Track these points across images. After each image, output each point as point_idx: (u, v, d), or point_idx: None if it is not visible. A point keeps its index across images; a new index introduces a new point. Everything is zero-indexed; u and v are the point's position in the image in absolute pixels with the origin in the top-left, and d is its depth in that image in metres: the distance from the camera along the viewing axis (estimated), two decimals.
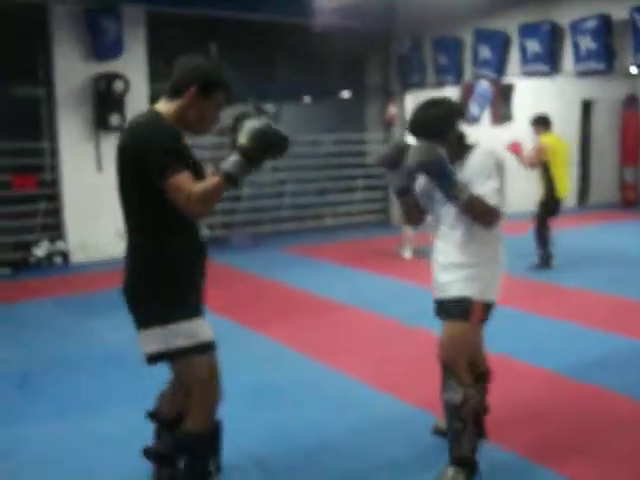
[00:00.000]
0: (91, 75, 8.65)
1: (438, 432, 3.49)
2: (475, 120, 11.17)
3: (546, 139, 7.68)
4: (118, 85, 8.58)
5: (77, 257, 8.90)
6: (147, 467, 3.42)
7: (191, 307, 2.74)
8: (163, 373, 4.40)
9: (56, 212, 8.98)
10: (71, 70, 8.63)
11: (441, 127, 2.99)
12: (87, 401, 4.29)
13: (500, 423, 3.69)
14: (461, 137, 3.10)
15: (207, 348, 2.75)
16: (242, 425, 3.77)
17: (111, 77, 8.56)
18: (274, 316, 6.13)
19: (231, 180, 2.52)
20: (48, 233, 8.92)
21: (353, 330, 5.74)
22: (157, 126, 2.63)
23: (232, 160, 2.53)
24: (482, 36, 9.47)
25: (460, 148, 3.07)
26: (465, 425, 3.05)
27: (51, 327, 6.04)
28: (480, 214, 2.95)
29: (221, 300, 6.47)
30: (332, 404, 4.16)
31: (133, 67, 8.91)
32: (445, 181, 2.87)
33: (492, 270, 3.08)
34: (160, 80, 9.10)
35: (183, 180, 2.51)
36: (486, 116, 11.40)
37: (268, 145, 2.56)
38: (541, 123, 7.83)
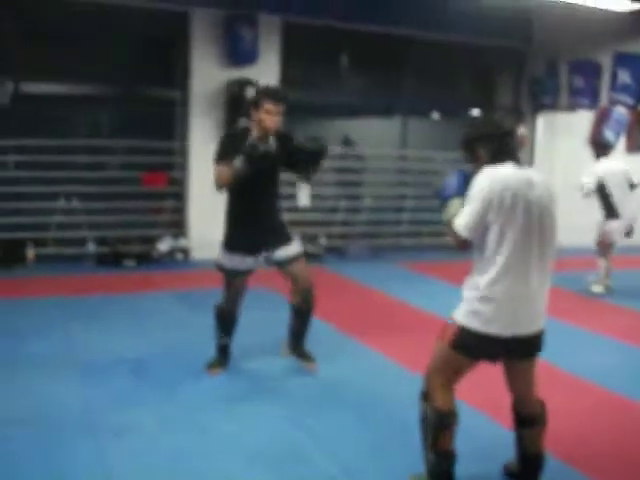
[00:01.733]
0: (225, 80, 8.92)
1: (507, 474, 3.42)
2: (610, 147, 10.73)
3: None
4: (250, 91, 8.81)
5: (197, 254, 9.19)
6: (241, 467, 3.47)
7: None
8: (269, 371, 4.45)
9: (181, 210, 9.32)
10: (207, 74, 8.94)
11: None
12: (192, 392, 4.41)
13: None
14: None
15: None
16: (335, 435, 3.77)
17: (244, 83, 8.79)
18: (379, 328, 6.09)
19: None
20: (172, 229, 9.27)
21: None
22: None
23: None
24: (622, 60, 9.08)
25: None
26: (425, 438, 3.12)
27: (168, 318, 6.27)
28: (449, 235, 3.12)
29: (330, 307, 6.52)
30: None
31: (266, 74, 9.11)
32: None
33: (474, 298, 2.99)
34: (291, 88, 9.31)
35: None
36: (621, 143, 10.91)
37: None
38: None
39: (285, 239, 4.58)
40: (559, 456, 3.58)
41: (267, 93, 4.26)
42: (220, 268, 4.61)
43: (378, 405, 4.31)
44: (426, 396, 3.13)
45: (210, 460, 3.49)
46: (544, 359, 3.23)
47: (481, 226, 2.93)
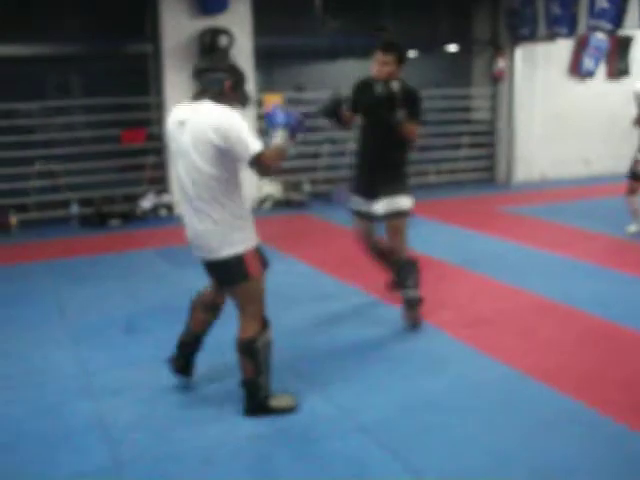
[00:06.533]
0: (197, 30, 8.73)
1: None
2: (590, 74, 10.65)
3: None
4: (223, 40, 8.64)
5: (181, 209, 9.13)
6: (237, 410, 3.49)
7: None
8: None
9: (162, 165, 9.24)
10: (177, 25, 8.74)
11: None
12: None
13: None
14: None
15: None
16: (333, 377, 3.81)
17: (216, 32, 8.62)
18: (371, 271, 6.10)
19: None
20: (155, 186, 9.20)
21: (450, 287, 5.66)
22: None
23: None
24: None
25: None
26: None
27: (154, 276, 6.27)
28: None
29: (320, 256, 6.53)
30: (426, 361, 4.13)
31: (238, 22, 8.94)
32: None
33: None
34: (264, 35, 9.14)
35: None
36: (601, 70, 10.83)
37: None
38: None
39: (389, 192, 4.60)
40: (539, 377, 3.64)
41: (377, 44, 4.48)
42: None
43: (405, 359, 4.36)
44: None
45: (206, 414, 3.52)
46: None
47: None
